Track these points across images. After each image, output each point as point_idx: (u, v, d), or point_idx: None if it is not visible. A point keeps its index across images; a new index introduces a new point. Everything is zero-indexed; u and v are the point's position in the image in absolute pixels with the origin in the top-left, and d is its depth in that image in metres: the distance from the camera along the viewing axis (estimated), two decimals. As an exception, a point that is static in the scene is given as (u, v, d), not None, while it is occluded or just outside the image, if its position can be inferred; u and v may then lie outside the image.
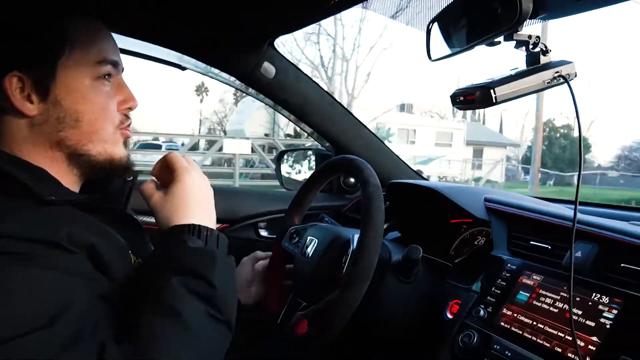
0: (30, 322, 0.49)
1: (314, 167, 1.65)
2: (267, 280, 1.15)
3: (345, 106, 1.45)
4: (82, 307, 0.54)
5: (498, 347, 0.77)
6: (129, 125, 0.75)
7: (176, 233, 0.65)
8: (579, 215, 0.86)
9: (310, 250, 1.03)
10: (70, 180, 0.70)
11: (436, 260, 1.08)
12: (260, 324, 1.42)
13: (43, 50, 0.64)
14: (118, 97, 0.72)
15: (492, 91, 0.65)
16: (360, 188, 0.94)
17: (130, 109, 0.74)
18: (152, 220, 1.25)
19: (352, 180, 1.56)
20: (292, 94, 1.33)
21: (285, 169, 1.74)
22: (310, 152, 1.71)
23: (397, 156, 1.54)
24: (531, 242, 0.90)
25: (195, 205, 0.69)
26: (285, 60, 1.28)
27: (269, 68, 1.25)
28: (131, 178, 0.79)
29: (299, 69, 1.33)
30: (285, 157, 1.76)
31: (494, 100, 0.65)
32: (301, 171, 1.75)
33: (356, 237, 0.96)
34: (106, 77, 0.70)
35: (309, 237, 1.05)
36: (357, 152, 1.45)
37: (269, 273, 1.15)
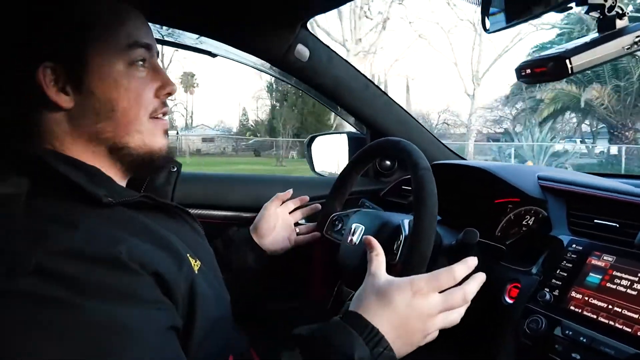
0: None
1: (348, 152, 1.60)
2: (311, 269, 1.12)
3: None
4: (152, 343, 0.51)
5: (570, 333, 0.73)
6: (165, 113, 0.71)
7: (356, 326, 0.62)
8: (650, 191, 0.81)
9: (357, 238, 0.99)
10: (116, 176, 0.67)
11: (488, 243, 1.04)
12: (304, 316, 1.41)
13: (70, 35, 0.61)
14: (155, 84, 0.69)
15: (567, 61, 0.60)
16: (410, 171, 0.89)
17: (169, 94, 0.70)
18: (202, 212, 1.24)
19: (388, 163, 1.51)
20: (326, 76, 1.28)
21: (317, 154, 1.70)
22: (343, 137, 1.66)
23: (435, 136, 1.49)
24: (595, 221, 0.85)
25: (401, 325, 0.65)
26: (319, 42, 1.24)
27: (302, 51, 1.21)
28: (175, 169, 0.77)
29: (332, 50, 1.28)
30: (316, 141, 1.72)
31: (570, 71, 0.60)
32: (334, 156, 1.71)
33: (406, 222, 0.92)
34: (140, 62, 0.66)
35: (354, 225, 1.01)
36: (394, 134, 1.40)
37: (313, 263, 1.12)
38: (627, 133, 16.65)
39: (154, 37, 0.71)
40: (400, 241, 0.90)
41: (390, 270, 0.91)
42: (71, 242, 0.51)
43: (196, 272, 0.63)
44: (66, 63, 0.61)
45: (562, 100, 17.17)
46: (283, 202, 1.14)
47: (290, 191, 1.14)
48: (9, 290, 0.47)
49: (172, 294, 0.57)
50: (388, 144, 1.02)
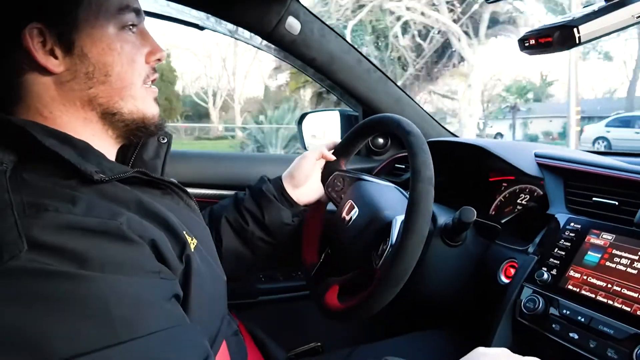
0: (103, 339, 0.44)
1: (340, 129, 1.57)
2: (306, 229, 1.10)
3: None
4: (161, 311, 0.50)
5: (568, 312, 0.72)
6: (154, 80, 0.69)
7: None
8: (650, 168, 0.80)
9: (349, 218, 0.96)
10: (107, 144, 0.65)
11: (483, 222, 1.02)
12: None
13: None
14: (145, 48, 0.67)
15: (575, 30, 0.57)
16: (410, 163, 0.81)
17: (159, 60, 0.68)
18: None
19: (381, 141, 1.49)
20: (318, 51, 1.24)
21: (307, 131, 1.67)
22: (335, 113, 1.62)
23: (428, 113, 1.46)
24: (594, 199, 0.83)
25: None
26: (311, 14, 1.19)
27: (293, 23, 1.16)
28: (165, 141, 0.73)
29: (325, 23, 1.23)
30: (307, 119, 1.69)
31: (577, 41, 0.57)
32: (325, 134, 1.67)
33: (398, 224, 0.86)
34: (130, 26, 0.64)
35: (349, 201, 0.98)
36: (386, 110, 1.37)
37: (309, 221, 1.09)
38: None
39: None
40: (387, 247, 0.85)
41: (371, 270, 0.89)
42: (71, 215, 0.49)
43: (192, 250, 0.61)
44: (56, 24, 0.58)
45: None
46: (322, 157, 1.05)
47: (336, 142, 1.06)
48: (6, 270, 0.44)
49: (169, 267, 0.55)
50: (391, 121, 0.95)
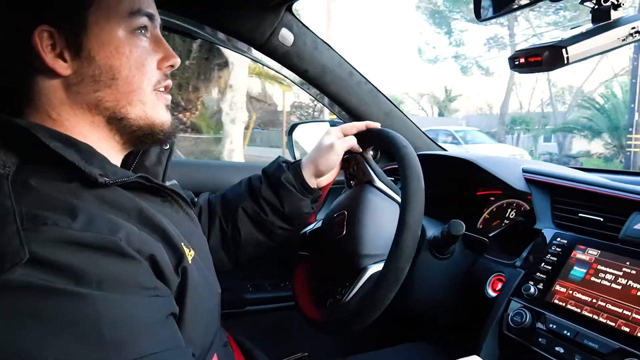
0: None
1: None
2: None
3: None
4: (155, 331, 0.49)
5: (554, 327, 0.73)
6: (167, 87, 0.68)
7: None
8: (634, 186, 0.82)
9: (339, 232, 0.94)
10: (113, 149, 0.64)
11: (471, 235, 1.03)
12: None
13: None
14: (157, 54, 0.65)
15: (563, 51, 0.58)
16: (400, 175, 0.81)
17: (172, 66, 0.67)
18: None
19: (371, 152, 1.49)
20: (310, 63, 1.25)
21: (298, 142, 1.67)
22: (325, 125, 1.63)
23: (418, 127, 1.48)
24: (580, 215, 0.85)
25: None
26: (304, 27, 1.20)
27: (287, 35, 1.18)
28: (167, 147, 0.73)
29: (317, 36, 1.25)
30: (297, 130, 1.69)
31: (566, 61, 0.59)
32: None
33: (368, 274, 0.85)
34: (142, 30, 0.63)
35: (344, 212, 0.93)
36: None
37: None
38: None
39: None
40: (346, 294, 0.85)
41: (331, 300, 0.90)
42: (69, 229, 0.48)
43: (190, 262, 0.60)
44: (65, 27, 0.58)
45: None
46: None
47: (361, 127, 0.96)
48: (2, 282, 0.43)
49: (166, 282, 0.54)
50: (381, 135, 0.94)
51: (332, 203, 1.02)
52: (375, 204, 0.91)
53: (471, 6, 0.73)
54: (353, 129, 0.95)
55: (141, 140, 0.66)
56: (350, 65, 1.34)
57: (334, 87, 1.31)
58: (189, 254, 0.61)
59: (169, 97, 0.68)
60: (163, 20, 0.69)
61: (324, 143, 0.93)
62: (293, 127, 1.71)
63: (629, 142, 11.30)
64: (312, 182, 0.94)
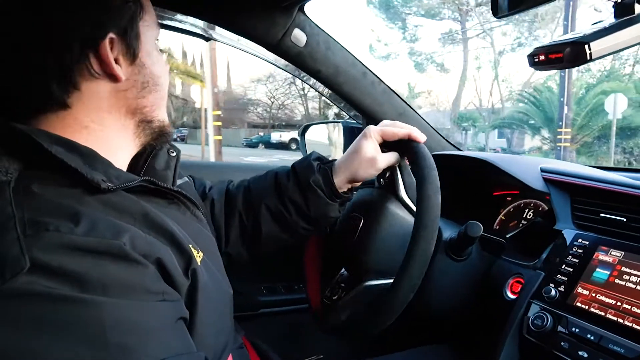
0: None
1: (344, 141, 1.57)
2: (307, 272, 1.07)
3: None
4: (163, 336, 0.48)
5: (577, 330, 0.71)
6: None
7: None
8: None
9: (356, 232, 0.93)
10: (128, 151, 0.65)
11: (488, 237, 1.02)
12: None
13: (128, 6, 0.60)
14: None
15: (586, 47, 0.57)
16: (417, 197, 0.76)
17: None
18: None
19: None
20: (324, 63, 1.24)
21: (311, 143, 1.67)
22: (338, 126, 1.63)
23: (432, 126, 1.46)
24: (602, 215, 0.83)
25: None
26: (316, 27, 1.19)
27: (299, 36, 1.17)
28: (174, 154, 0.73)
29: (330, 36, 1.24)
30: (309, 131, 1.69)
31: (589, 58, 0.57)
32: (329, 146, 1.67)
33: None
34: (157, 40, 0.67)
35: (362, 218, 0.91)
36: (390, 123, 1.37)
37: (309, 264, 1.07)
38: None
39: None
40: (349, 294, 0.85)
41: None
42: (72, 235, 0.47)
43: (199, 263, 0.59)
44: (125, 35, 0.59)
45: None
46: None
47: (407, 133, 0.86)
48: (6, 290, 0.42)
49: (175, 285, 0.54)
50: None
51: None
52: (395, 219, 0.87)
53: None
54: (395, 135, 0.86)
55: (156, 139, 0.68)
56: (364, 65, 1.32)
57: (348, 88, 1.30)
58: (198, 256, 0.60)
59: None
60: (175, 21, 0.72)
61: (365, 154, 0.85)
62: (306, 128, 1.71)
63: (559, 137, 11.11)
64: (343, 187, 0.88)
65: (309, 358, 1.22)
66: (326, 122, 1.73)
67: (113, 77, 0.59)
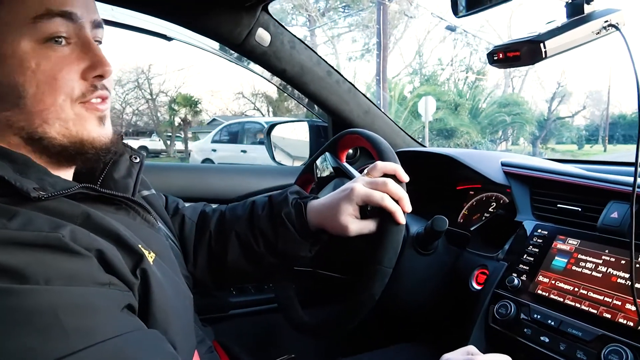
0: (56, 350, 0.41)
1: (309, 140, 1.58)
2: None
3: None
4: (114, 317, 0.47)
5: (538, 317, 0.74)
6: (102, 97, 0.59)
7: None
8: (610, 176, 0.84)
9: None
10: (52, 168, 0.58)
11: (454, 230, 1.05)
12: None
13: None
14: (82, 63, 0.57)
15: (541, 45, 0.59)
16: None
17: (101, 77, 0.58)
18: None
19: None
20: (288, 62, 1.24)
21: (276, 142, 1.67)
22: (303, 125, 1.63)
23: (396, 123, 1.49)
24: (559, 206, 0.87)
25: None
26: (280, 26, 1.20)
27: (263, 35, 1.17)
28: (137, 160, 0.70)
29: (295, 35, 1.24)
30: (276, 129, 1.69)
31: (544, 55, 0.60)
32: (294, 144, 1.68)
33: None
34: (57, 38, 0.55)
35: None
36: (356, 121, 1.39)
37: None
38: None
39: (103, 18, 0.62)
40: None
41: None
42: (5, 230, 0.45)
43: (151, 263, 0.57)
44: None
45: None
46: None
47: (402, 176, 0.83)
48: None
49: (122, 279, 0.51)
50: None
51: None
52: None
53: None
54: (379, 203, 0.77)
55: (74, 158, 0.59)
56: (328, 63, 1.33)
57: (314, 87, 1.31)
58: (149, 256, 0.57)
59: (105, 107, 0.61)
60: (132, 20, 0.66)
61: (339, 216, 0.78)
62: (271, 127, 1.71)
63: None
64: (316, 227, 0.82)
65: (281, 358, 1.22)
66: (291, 121, 1.72)
67: None
